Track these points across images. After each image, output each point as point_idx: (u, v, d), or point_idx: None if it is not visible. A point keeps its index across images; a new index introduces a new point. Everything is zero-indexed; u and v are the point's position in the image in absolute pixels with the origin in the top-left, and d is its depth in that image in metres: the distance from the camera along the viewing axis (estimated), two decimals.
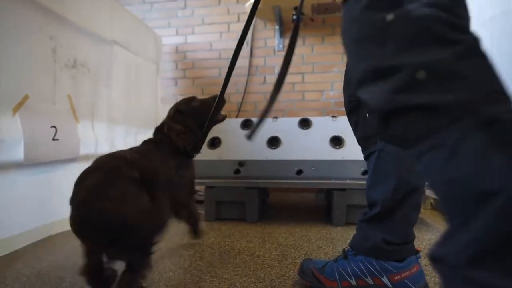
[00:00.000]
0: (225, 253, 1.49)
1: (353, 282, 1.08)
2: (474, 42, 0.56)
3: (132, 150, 1.22)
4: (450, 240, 0.53)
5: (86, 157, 2.02)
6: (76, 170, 1.97)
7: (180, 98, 3.39)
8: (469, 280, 0.47)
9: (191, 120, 1.43)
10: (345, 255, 1.13)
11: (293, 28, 0.96)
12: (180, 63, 3.22)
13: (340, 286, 1.09)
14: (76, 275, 1.24)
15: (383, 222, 1.07)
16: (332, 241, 1.66)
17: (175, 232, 1.71)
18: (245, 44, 3.12)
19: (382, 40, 0.60)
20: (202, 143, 1.44)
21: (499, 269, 0.45)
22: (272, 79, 3.04)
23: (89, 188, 0.92)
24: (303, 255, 1.45)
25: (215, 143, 2.22)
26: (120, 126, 2.37)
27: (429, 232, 1.84)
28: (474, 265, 0.47)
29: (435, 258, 0.54)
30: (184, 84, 3.20)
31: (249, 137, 0.93)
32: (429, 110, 0.55)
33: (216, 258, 1.42)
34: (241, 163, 2.10)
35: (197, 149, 1.42)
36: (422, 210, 2.43)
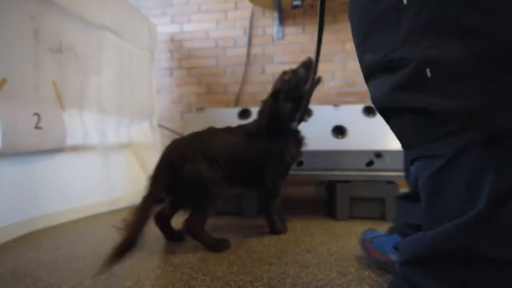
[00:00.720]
0: None
1: (393, 257, 1.07)
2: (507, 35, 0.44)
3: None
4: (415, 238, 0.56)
5: (74, 148, 1.91)
6: (63, 161, 1.89)
7: (176, 89, 3.33)
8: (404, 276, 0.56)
9: (288, 96, 1.54)
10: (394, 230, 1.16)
11: (319, 9, 0.96)
12: (175, 53, 3.09)
13: (382, 258, 1.11)
14: (55, 272, 1.13)
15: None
16: (335, 236, 1.55)
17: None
18: (242, 32, 3.03)
19: (394, 24, 0.52)
20: (302, 115, 1.58)
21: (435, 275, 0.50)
22: (271, 68, 2.92)
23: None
24: (304, 251, 1.34)
25: None
26: (111, 116, 2.25)
27: None
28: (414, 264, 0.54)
29: (396, 247, 0.62)
30: (180, 74, 3.08)
31: None
32: (428, 116, 0.50)
33: (209, 254, 1.31)
34: None
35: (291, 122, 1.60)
36: None
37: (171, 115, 3.09)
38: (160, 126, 2.92)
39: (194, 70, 3.06)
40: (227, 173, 1.39)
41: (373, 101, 0.64)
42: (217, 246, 1.36)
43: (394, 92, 0.53)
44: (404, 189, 1.28)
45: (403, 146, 0.61)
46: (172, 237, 1.48)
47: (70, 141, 1.83)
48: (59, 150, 1.79)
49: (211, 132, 1.52)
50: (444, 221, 0.49)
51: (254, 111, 2.16)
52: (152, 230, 1.34)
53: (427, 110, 0.49)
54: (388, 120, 0.62)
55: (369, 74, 0.62)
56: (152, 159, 1.95)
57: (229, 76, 2.99)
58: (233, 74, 2.97)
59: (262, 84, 2.93)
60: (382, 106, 0.60)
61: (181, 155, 1.34)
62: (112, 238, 1.06)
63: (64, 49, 1.80)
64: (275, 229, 1.60)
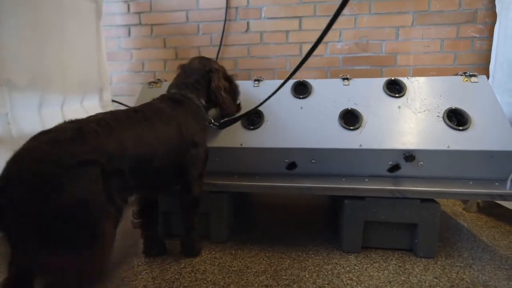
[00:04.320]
0: None
1: None
2: None
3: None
4: None
5: None
6: None
7: (135, 53, 2.61)
8: None
9: None
10: None
11: None
12: (133, 4, 2.34)
13: None
14: None
15: None
16: (339, 284, 0.97)
17: None
18: None
19: None
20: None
21: None
22: (258, 25, 2.20)
23: None
24: None
25: None
26: (26, 94, 1.59)
27: (469, 244, 1.14)
28: None
29: None
30: (140, 33, 2.36)
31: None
32: None
33: None
34: None
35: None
36: (464, 213, 1.75)
37: (130, 88, 2.41)
38: (115, 102, 2.26)
39: (158, 28, 2.33)
40: (137, 183, 0.95)
41: None
42: None
43: None
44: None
45: None
46: None
47: None
48: None
49: (112, 119, 0.92)
50: None
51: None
52: None
53: None
54: None
55: None
56: None
57: (203, 35, 2.27)
58: (208, 34, 2.25)
59: (247, 46, 2.22)
60: None
61: (51, 166, 0.70)
62: None
63: None
64: (194, 249, 1.25)
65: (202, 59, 1.33)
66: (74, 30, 1.92)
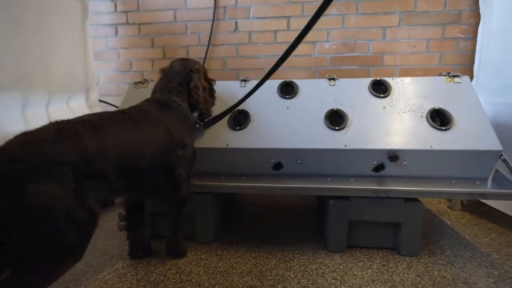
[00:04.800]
0: None
1: None
2: None
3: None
4: None
5: None
6: None
7: (122, 53, 2.59)
8: None
9: None
10: None
11: None
12: (120, 3, 2.32)
13: None
14: None
15: None
16: (323, 283, 0.98)
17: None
18: None
19: None
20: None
21: None
22: (246, 24, 2.19)
23: None
24: None
25: None
26: (10, 94, 1.56)
27: (451, 242, 1.16)
28: None
29: None
30: (127, 32, 2.33)
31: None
32: None
33: None
34: None
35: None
36: (449, 211, 1.77)
37: (118, 87, 2.39)
38: (103, 102, 2.23)
39: (146, 28, 2.32)
40: (124, 185, 0.95)
41: None
42: None
43: None
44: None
45: None
46: None
47: None
48: None
49: (97, 121, 0.92)
50: None
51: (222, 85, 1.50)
52: None
53: None
54: None
55: None
56: None
57: (191, 35, 2.26)
58: (196, 33, 2.25)
59: (235, 46, 2.22)
60: None
61: (17, 165, 0.69)
62: None
63: None
64: (179, 250, 1.25)
65: (182, 61, 1.32)
66: (59, 29, 1.90)
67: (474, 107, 1.33)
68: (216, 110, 1.40)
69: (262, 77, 1.21)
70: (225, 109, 1.34)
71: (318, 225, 1.51)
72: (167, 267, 1.17)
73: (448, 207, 1.74)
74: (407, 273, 1.11)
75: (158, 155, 1.05)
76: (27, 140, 0.74)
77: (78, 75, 2.05)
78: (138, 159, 0.97)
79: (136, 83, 1.69)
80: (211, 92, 1.39)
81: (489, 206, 1.57)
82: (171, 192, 1.16)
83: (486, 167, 1.25)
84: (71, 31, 2.02)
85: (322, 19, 1.72)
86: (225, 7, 2.21)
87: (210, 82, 1.39)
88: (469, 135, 1.25)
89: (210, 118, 1.37)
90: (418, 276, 1.09)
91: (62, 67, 1.90)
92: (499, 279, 1.07)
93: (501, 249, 1.27)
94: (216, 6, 2.20)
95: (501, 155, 1.22)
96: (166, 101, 1.19)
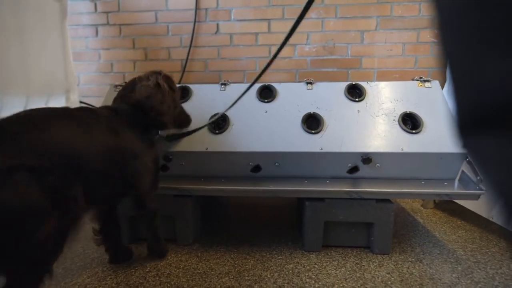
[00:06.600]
0: None
1: None
2: None
3: None
4: None
5: None
6: None
7: (103, 54, 2.55)
8: None
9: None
10: None
11: None
12: (100, 3, 2.30)
13: None
14: None
15: None
16: (298, 282, 1.02)
17: None
18: None
19: None
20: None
21: None
22: (227, 27, 2.21)
23: None
24: None
25: None
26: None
27: (423, 240, 1.22)
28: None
29: None
30: (108, 33, 2.32)
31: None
32: None
33: None
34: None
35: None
36: (422, 209, 1.85)
37: (99, 88, 2.37)
38: (83, 103, 2.21)
39: (127, 28, 2.30)
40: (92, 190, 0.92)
41: None
42: None
43: None
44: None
45: None
46: None
47: None
48: None
49: (60, 116, 0.90)
50: None
51: (202, 88, 1.52)
52: None
53: None
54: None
55: None
56: None
57: (172, 36, 2.26)
58: (178, 34, 2.25)
59: (216, 48, 2.24)
60: None
61: None
62: None
63: None
64: (159, 251, 1.28)
65: (148, 73, 1.28)
66: (36, 30, 1.87)
67: (443, 110, 1.40)
68: (194, 115, 1.43)
69: (245, 82, 1.23)
70: (194, 128, 1.37)
71: (297, 225, 1.55)
72: (147, 270, 1.19)
73: (421, 206, 1.82)
74: (378, 271, 1.16)
75: (107, 161, 0.98)
76: None
77: (57, 76, 2.03)
78: (84, 161, 0.89)
79: (116, 85, 1.69)
80: (175, 103, 1.29)
81: (458, 204, 1.65)
82: (136, 206, 1.16)
83: (453, 168, 1.32)
84: (49, 31, 1.99)
85: (302, 22, 1.77)
86: (206, 9, 2.22)
87: (175, 99, 1.30)
88: (437, 138, 1.31)
89: (173, 134, 1.37)
90: (388, 273, 1.15)
91: (40, 68, 1.88)
92: (462, 274, 1.13)
93: (467, 246, 1.35)
94: (197, 8, 2.21)
95: (467, 157, 1.29)
96: (121, 109, 1.15)
